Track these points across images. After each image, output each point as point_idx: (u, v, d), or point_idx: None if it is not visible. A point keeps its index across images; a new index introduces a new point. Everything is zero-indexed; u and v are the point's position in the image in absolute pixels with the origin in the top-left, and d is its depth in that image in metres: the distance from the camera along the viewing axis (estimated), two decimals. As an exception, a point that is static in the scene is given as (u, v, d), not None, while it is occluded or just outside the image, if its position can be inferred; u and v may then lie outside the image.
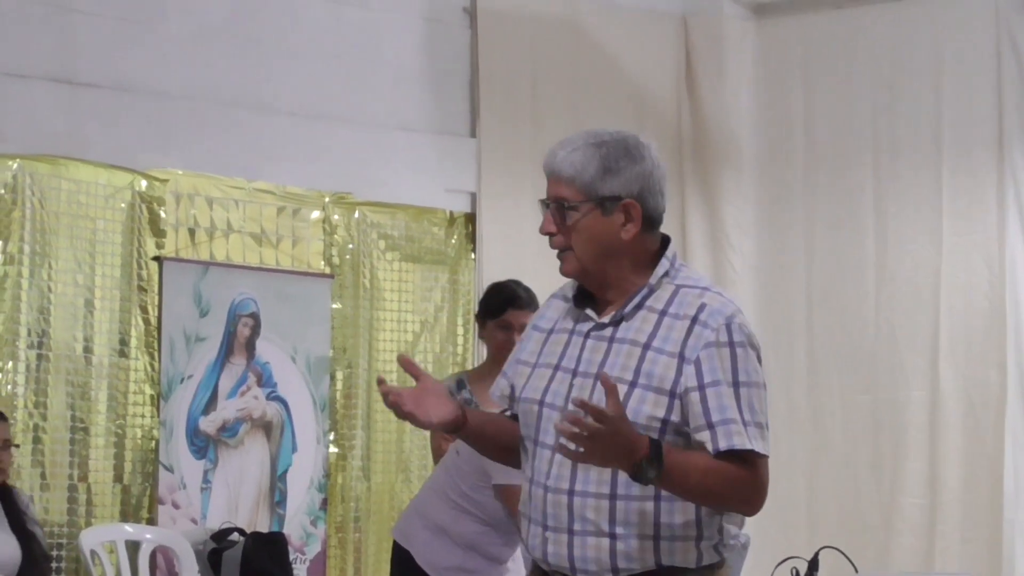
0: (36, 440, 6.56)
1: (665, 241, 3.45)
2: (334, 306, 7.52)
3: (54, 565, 6.39)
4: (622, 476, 3.21)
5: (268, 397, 7.25)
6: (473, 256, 8.04)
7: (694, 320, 3.28)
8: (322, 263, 7.54)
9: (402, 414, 3.36)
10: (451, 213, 8.04)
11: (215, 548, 6.58)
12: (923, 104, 8.35)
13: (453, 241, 8.03)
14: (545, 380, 3.37)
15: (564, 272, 3.41)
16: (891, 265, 8.38)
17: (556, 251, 3.42)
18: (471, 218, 8.07)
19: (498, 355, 6.46)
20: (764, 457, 3.24)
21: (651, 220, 3.40)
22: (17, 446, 6.20)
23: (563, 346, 3.39)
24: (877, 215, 8.46)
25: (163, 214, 7.02)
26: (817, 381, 8.55)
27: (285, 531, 7.06)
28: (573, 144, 3.40)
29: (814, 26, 8.67)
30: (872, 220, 8.47)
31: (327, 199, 7.55)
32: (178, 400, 6.96)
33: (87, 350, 6.74)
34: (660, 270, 3.37)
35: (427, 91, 8.02)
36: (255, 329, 7.22)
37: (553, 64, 8.35)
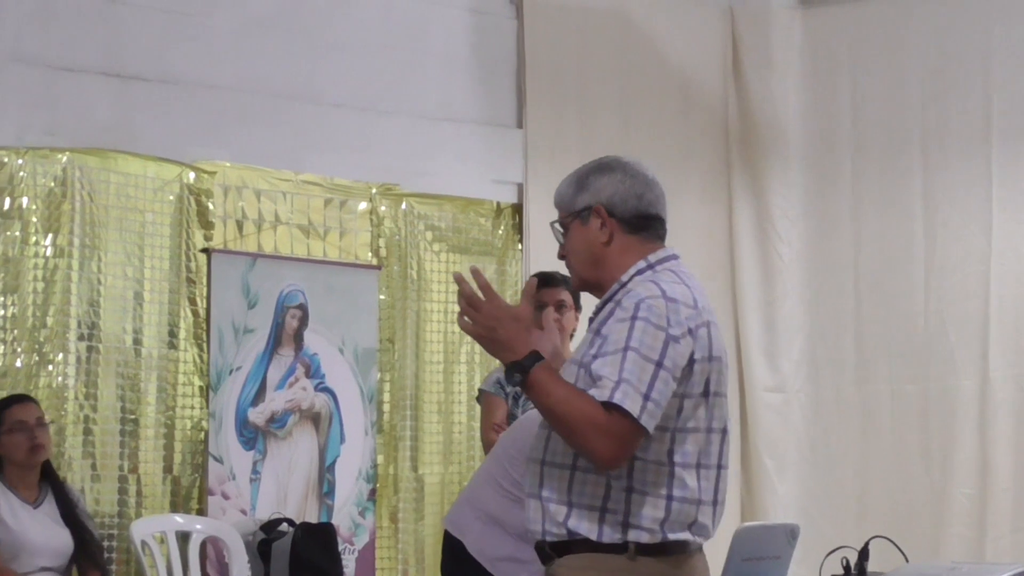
0: (87, 432, 6.59)
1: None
2: (381, 297, 7.54)
3: (106, 556, 6.41)
4: (551, 444, 3.60)
5: (316, 388, 7.27)
6: (520, 247, 8.04)
7: (617, 303, 3.60)
8: (369, 254, 7.55)
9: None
10: (498, 204, 8.04)
11: (265, 539, 6.60)
12: (972, 91, 8.31)
13: (500, 232, 8.03)
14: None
15: (573, 287, 3.86)
16: (940, 254, 8.34)
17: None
18: (518, 209, 8.07)
19: None
20: (628, 416, 3.46)
21: (629, 223, 3.74)
22: (52, 422, 6.23)
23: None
24: (926, 203, 8.42)
25: (211, 206, 7.04)
26: (866, 371, 8.52)
27: (334, 522, 7.08)
28: (573, 173, 3.80)
29: (861, 14, 8.63)
30: (921, 208, 8.44)
31: (374, 190, 7.56)
32: (227, 391, 6.99)
33: (136, 342, 6.77)
34: (634, 269, 3.69)
35: (474, 82, 8.02)
36: (303, 320, 7.24)
37: (600, 54, 8.34)
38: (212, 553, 6.77)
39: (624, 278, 3.67)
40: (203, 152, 7.06)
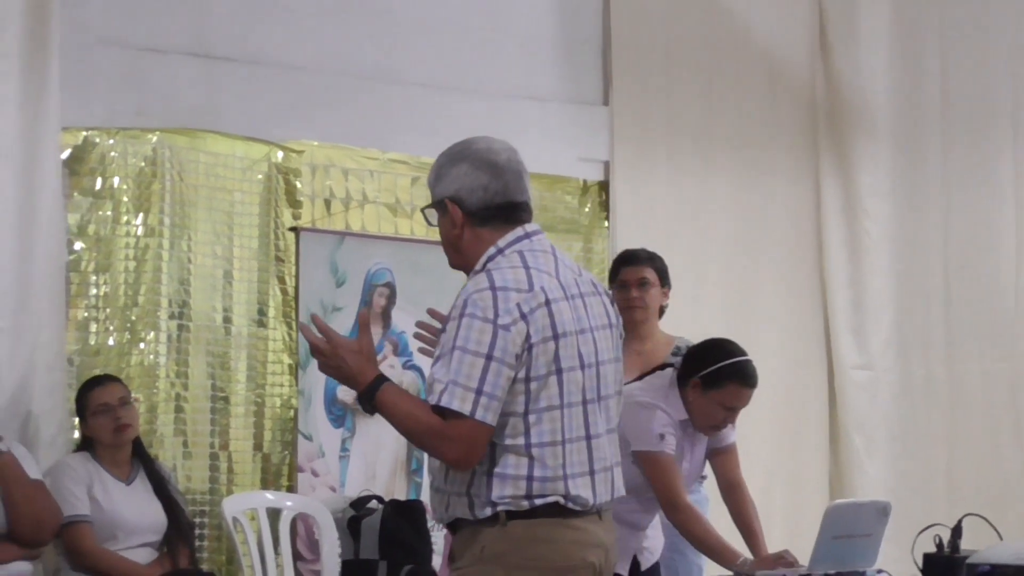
0: (178, 409, 6.64)
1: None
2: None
3: (197, 532, 6.47)
4: None
5: (404, 366, 7.29)
6: (606, 224, 8.02)
7: (459, 298, 3.77)
8: (456, 233, 7.55)
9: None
10: (584, 182, 8.03)
11: (354, 516, 6.63)
12: (1063, 65, 8.23)
13: (586, 210, 8.02)
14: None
15: (454, 267, 3.96)
16: (1031, 230, 8.27)
17: None
18: (604, 186, 8.05)
19: (622, 316, 6.47)
20: (460, 415, 3.66)
21: (476, 215, 3.86)
22: (138, 399, 6.28)
23: None
24: (1016, 178, 8.36)
25: (299, 185, 7.08)
26: (955, 349, 8.47)
27: (422, 499, 7.10)
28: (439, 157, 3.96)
29: (950, -13, 8.56)
30: (1011, 183, 8.37)
31: (460, 169, 7.55)
32: (315, 369, 6.98)
33: (226, 320, 6.82)
34: (485, 257, 3.85)
35: (559, 60, 8.01)
36: (391, 299, 7.26)
37: (685, 31, 8.30)
38: (302, 530, 6.81)
39: (478, 267, 3.83)
40: (290, 132, 7.09)
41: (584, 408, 3.81)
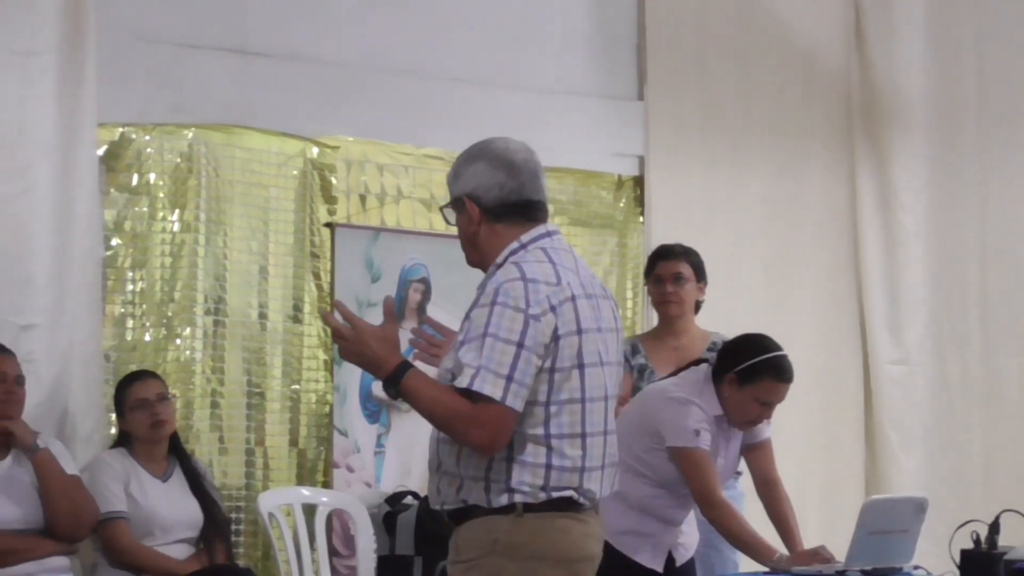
0: (214, 405, 6.66)
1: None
2: (503, 270, 7.53)
3: (233, 528, 6.49)
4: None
5: (438, 360, 7.29)
6: (641, 220, 8.00)
7: (481, 288, 3.87)
8: (491, 228, 7.55)
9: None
10: (619, 177, 8.02)
11: (390, 511, 6.64)
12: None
13: (621, 205, 8.01)
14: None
15: (469, 262, 4.04)
16: (1068, 223, 8.24)
17: None
18: (639, 181, 8.03)
19: (658, 311, 6.48)
20: (491, 400, 3.72)
21: (493, 212, 3.94)
22: (175, 395, 6.30)
23: None
24: (1053, 172, 8.32)
25: (334, 181, 7.09)
26: (991, 343, 8.44)
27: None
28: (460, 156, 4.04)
29: (986, -20, 8.53)
30: (1048, 177, 8.34)
31: (495, 164, 7.55)
32: (351, 365, 6.99)
33: (262, 316, 6.83)
34: (508, 251, 3.91)
35: (594, 55, 8.00)
36: (425, 294, 7.27)
37: (720, 25, 8.28)
38: (338, 526, 6.82)
39: (499, 260, 3.90)
40: (325, 127, 7.10)
41: (605, 403, 3.92)
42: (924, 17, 8.58)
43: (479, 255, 3.98)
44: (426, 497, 6.72)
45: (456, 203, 3.98)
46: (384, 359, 3.83)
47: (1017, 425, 8.27)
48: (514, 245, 3.91)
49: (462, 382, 3.74)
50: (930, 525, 5.53)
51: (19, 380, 5.67)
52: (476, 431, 3.75)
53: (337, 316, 3.90)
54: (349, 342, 3.85)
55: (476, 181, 3.96)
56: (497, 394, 3.71)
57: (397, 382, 3.81)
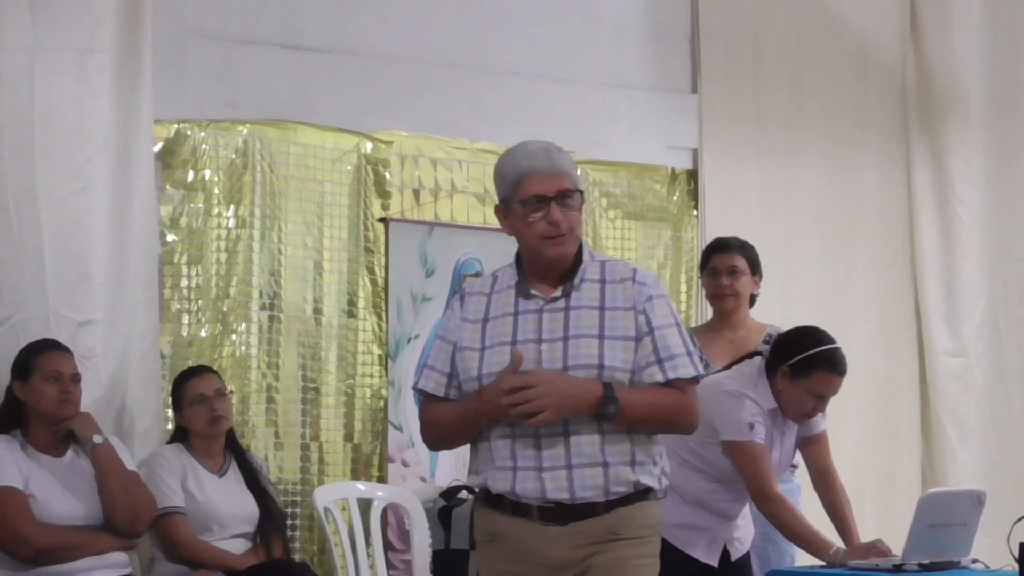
0: (269, 400, 6.69)
1: None
2: (557, 264, 7.53)
3: (289, 522, 6.51)
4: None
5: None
6: (695, 213, 7.99)
7: (632, 282, 4.01)
8: (545, 222, 7.55)
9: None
10: (673, 170, 8.00)
11: (445, 506, 6.65)
12: None
13: (675, 198, 7.99)
14: (507, 354, 3.96)
15: (563, 254, 4.01)
16: (1124, 215, 8.18)
17: (552, 237, 4.00)
18: (693, 175, 8.02)
19: (712, 304, 6.46)
20: (696, 380, 4.02)
21: None
22: (233, 392, 6.32)
23: (512, 325, 4.01)
24: (1110, 161, 8.26)
25: (388, 176, 7.10)
26: (1050, 334, 8.40)
27: (513, 488, 7.10)
28: (546, 148, 4.11)
29: (1044, -32, 8.47)
30: (1106, 167, 8.28)
31: (549, 158, 7.55)
32: (405, 360, 7.04)
33: (316, 311, 6.85)
34: (586, 250, 4.08)
35: (648, 48, 7.99)
36: (480, 288, 7.26)
37: (774, 18, 8.26)
38: (393, 520, 6.84)
39: (585, 256, 4.06)
40: (379, 122, 7.11)
41: None
42: (980, 6, 8.54)
43: (575, 247, 4.06)
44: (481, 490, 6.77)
45: (580, 194, 4.07)
46: (584, 386, 3.90)
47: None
48: (589, 244, 4.28)
49: (688, 371, 3.98)
50: (988, 518, 5.49)
51: (75, 378, 5.69)
52: (695, 414, 4.07)
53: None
54: (541, 388, 3.86)
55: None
56: (701, 369, 4.06)
57: (615, 399, 3.89)
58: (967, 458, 8.32)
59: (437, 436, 4.20)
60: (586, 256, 4.07)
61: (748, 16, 8.20)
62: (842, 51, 8.41)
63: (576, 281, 4.02)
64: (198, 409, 6.04)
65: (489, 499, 4.06)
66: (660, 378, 3.98)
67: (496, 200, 4.15)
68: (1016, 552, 5.14)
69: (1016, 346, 8.44)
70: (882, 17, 8.55)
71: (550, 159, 4.05)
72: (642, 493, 4.01)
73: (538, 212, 4.00)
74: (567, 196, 4.01)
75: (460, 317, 4.11)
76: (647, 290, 4.01)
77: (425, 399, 4.16)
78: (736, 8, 8.16)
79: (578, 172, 4.13)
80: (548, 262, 4.04)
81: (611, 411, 3.88)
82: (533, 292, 4.05)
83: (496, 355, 3.99)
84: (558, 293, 4.02)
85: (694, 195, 8.00)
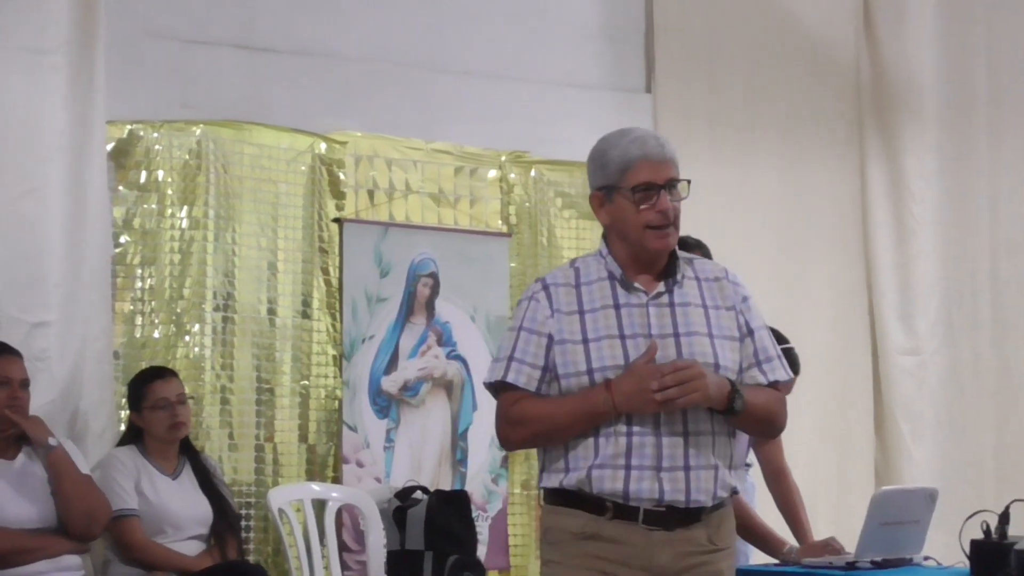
0: (224, 401, 6.67)
1: None
2: (512, 265, 7.55)
3: (243, 524, 6.49)
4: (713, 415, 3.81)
5: (448, 356, 7.30)
6: (650, 212, 7.99)
7: (727, 280, 3.93)
8: (500, 222, 7.57)
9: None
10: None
11: (400, 506, 6.65)
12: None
13: (630, 198, 7.99)
14: (619, 348, 3.78)
15: (668, 246, 3.86)
16: (1078, 212, 8.22)
17: (658, 228, 3.83)
18: (648, 174, 8.02)
19: None
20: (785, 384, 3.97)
21: None
22: (192, 398, 6.31)
23: (616, 319, 3.82)
24: (1064, 160, 8.31)
25: (343, 176, 7.09)
26: (1003, 332, 8.43)
27: (467, 489, 7.11)
28: (655, 134, 3.92)
29: (997, -34, 8.51)
30: (1059, 165, 8.32)
31: (504, 158, 7.57)
32: (360, 360, 7.04)
33: (271, 312, 6.83)
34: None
35: (602, 48, 8.00)
36: (435, 289, 7.27)
37: (728, 17, 8.28)
38: (348, 521, 6.83)
39: (680, 256, 3.92)
40: (334, 122, 7.10)
41: None
42: (934, 5, 8.57)
43: (675, 241, 3.92)
44: (436, 491, 6.77)
45: (687, 185, 3.90)
46: (719, 385, 3.78)
47: (1028, 414, 8.27)
48: None
49: (782, 375, 3.94)
50: (941, 515, 5.52)
51: (23, 384, 5.65)
52: (786, 419, 4.04)
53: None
54: (694, 370, 3.72)
55: None
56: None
57: (741, 394, 3.80)
58: (921, 455, 8.36)
59: (531, 435, 3.89)
60: (679, 252, 3.93)
61: (702, 15, 8.22)
62: (796, 50, 8.44)
63: (679, 277, 3.88)
64: (160, 413, 6.02)
65: (579, 500, 3.82)
66: (762, 380, 3.91)
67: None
68: (967, 548, 5.17)
69: (970, 343, 8.47)
70: (836, 16, 8.58)
71: (660, 146, 3.86)
72: (731, 497, 3.92)
73: (647, 200, 3.82)
74: (676, 186, 3.85)
75: (550, 308, 3.86)
76: (741, 290, 3.94)
77: (509, 395, 3.88)
78: (690, 8, 8.17)
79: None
80: (652, 255, 3.86)
81: (738, 406, 3.77)
82: (636, 285, 3.85)
83: (605, 348, 3.79)
84: (661, 288, 3.87)
85: (649, 194, 7.99)
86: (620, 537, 3.79)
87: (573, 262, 3.97)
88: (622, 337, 3.79)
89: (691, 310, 3.84)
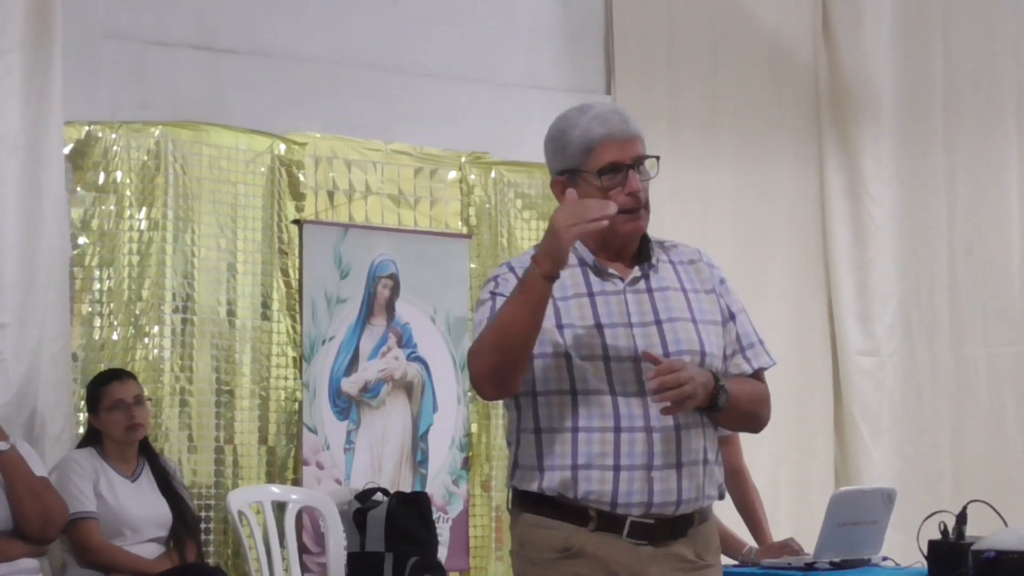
0: (183, 403, 6.65)
1: None
2: (472, 266, 7.55)
3: (203, 526, 6.48)
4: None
5: (409, 358, 7.30)
6: (609, 213, 8.00)
7: (703, 262, 3.68)
8: (460, 223, 7.56)
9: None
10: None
11: (360, 508, 6.64)
12: (1068, 48, 8.21)
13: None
14: (597, 338, 3.49)
15: (639, 229, 3.58)
16: (1036, 215, 8.26)
17: (630, 211, 3.55)
18: (607, 176, 8.03)
19: None
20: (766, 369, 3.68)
21: None
22: (150, 399, 6.29)
23: (591, 307, 3.53)
24: (1020, 163, 8.33)
25: (302, 177, 7.08)
26: (961, 334, 8.45)
27: (428, 490, 7.11)
28: (619, 110, 3.65)
29: (954, -30, 8.54)
30: (1016, 168, 8.35)
31: (464, 159, 7.57)
32: (320, 362, 7.03)
33: (230, 313, 6.82)
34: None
35: (562, 49, 8.00)
36: (395, 290, 7.27)
37: (687, 19, 8.30)
38: (308, 523, 6.82)
39: (653, 238, 3.65)
40: (294, 124, 7.09)
41: None
42: (891, 9, 8.60)
43: (648, 223, 3.63)
44: (397, 493, 6.77)
45: (655, 161, 3.64)
46: (704, 374, 3.46)
47: (986, 415, 8.29)
48: None
49: (767, 360, 3.66)
50: (899, 516, 5.54)
51: None
52: (769, 406, 3.70)
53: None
54: (684, 374, 3.40)
55: None
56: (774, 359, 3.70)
57: (725, 388, 3.48)
58: (880, 456, 8.39)
59: (490, 357, 3.44)
60: (654, 238, 3.66)
61: (662, 18, 8.23)
62: (755, 53, 8.46)
63: (655, 262, 3.61)
64: (116, 415, 6.00)
65: (559, 508, 3.53)
66: (747, 368, 3.63)
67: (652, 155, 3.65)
68: (925, 549, 5.19)
69: (928, 345, 8.50)
70: (795, 19, 8.61)
71: (624, 122, 3.57)
72: (710, 508, 3.63)
73: (615, 183, 3.52)
74: (643, 163, 3.57)
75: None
76: (718, 272, 3.68)
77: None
78: (650, 10, 8.19)
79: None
80: (623, 239, 3.57)
81: (722, 401, 3.47)
82: (610, 271, 3.57)
83: (583, 338, 3.49)
84: (637, 273, 3.58)
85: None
86: (605, 554, 3.49)
87: (535, 248, 3.55)
88: (599, 326, 3.49)
89: (670, 294, 3.57)
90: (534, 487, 3.54)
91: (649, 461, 3.47)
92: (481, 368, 3.45)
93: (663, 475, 3.47)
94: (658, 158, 3.61)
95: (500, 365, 3.43)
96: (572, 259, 3.52)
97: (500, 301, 3.50)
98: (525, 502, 3.58)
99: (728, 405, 3.48)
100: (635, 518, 3.48)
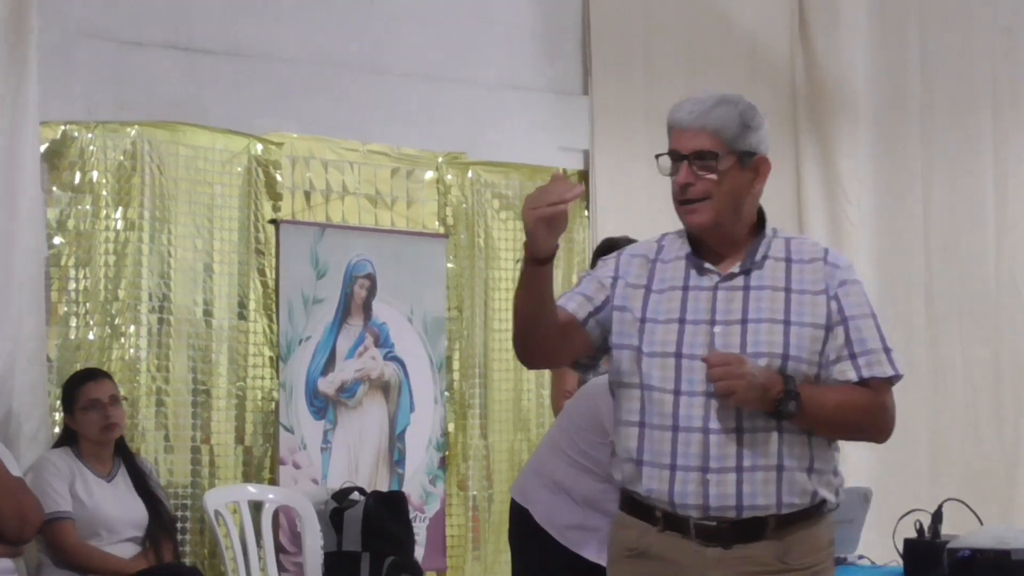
0: (159, 403, 6.64)
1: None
2: (449, 266, 7.55)
3: (179, 526, 6.47)
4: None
5: (385, 358, 7.30)
6: (587, 214, 8.03)
7: (824, 262, 3.53)
8: (436, 223, 7.57)
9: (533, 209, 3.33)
10: (564, 171, 8.00)
11: (336, 508, 6.64)
12: (1043, 49, 8.24)
13: (567, 199, 8.00)
14: (674, 334, 3.49)
15: (695, 223, 3.53)
16: (1011, 215, 8.28)
17: (681, 203, 3.53)
18: (584, 176, 8.06)
19: None
20: (894, 383, 3.51)
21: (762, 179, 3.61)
22: (126, 399, 6.28)
23: (681, 302, 3.52)
24: (996, 164, 8.36)
25: (279, 177, 7.07)
26: (937, 333, 8.47)
27: (404, 490, 7.11)
28: (708, 100, 3.55)
29: (930, -29, 8.57)
30: (991, 169, 8.38)
31: (441, 159, 7.57)
32: (297, 362, 7.02)
33: (207, 313, 6.81)
34: (769, 226, 3.60)
35: (539, 49, 8.01)
36: (371, 290, 7.27)
37: (665, 19, 8.31)
38: (285, 522, 6.82)
39: (768, 234, 3.58)
40: (270, 124, 7.08)
41: None
42: (868, 8, 8.62)
43: (735, 221, 3.55)
44: (373, 492, 6.77)
45: (743, 157, 3.54)
46: (771, 382, 3.39)
47: (961, 415, 8.31)
48: (771, 222, 3.63)
49: (885, 370, 3.48)
50: (876, 514, 5.56)
51: None
52: (891, 422, 3.54)
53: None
54: (735, 365, 3.36)
55: (768, 144, 3.62)
56: (903, 371, 3.51)
57: (795, 395, 3.38)
58: (855, 455, 8.39)
59: (516, 324, 3.50)
60: (768, 230, 3.58)
61: (639, 17, 8.24)
62: (732, 52, 8.48)
63: (758, 257, 3.53)
64: (91, 415, 5.99)
65: (633, 507, 3.55)
66: (853, 376, 3.48)
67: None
68: (901, 547, 5.21)
69: (904, 345, 8.47)
70: (772, 18, 8.63)
71: (692, 113, 3.52)
72: (816, 508, 3.50)
73: (675, 170, 3.53)
74: (702, 158, 3.49)
75: (615, 272, 3.61)
76: (840, 273, 3.52)
77: None
78: (627, 10, 8.20)
79: (758, 133, 3.57)
80: (698, 232, 3.54)
81: (789, 409, 3.37)
82: (708, 266, 3.54)
83: (659, 332, 3.50)
84: (736, 269, 3.52)
85: (585, 196, 8.02)
86: (669, 555, 3.49)
87: (663, 236, 3.66)
88: (682, 322, 3.48)
89: (767, 294, 3.49)
90: (618, 477, 3.60)
91: (704, 463, 3.43)
92: (516, 339, 3.53)
93: (720, 479, 3.43)
94: (739, 155, 3.51)
95: (518, 335, 3.51)
96: (681, 251, 3.58)
97: (589, 279, 3.62)
98: (620, 497, 3.63)
99: (799, 412, 3.39)
100: (697, 520, 3.46)
